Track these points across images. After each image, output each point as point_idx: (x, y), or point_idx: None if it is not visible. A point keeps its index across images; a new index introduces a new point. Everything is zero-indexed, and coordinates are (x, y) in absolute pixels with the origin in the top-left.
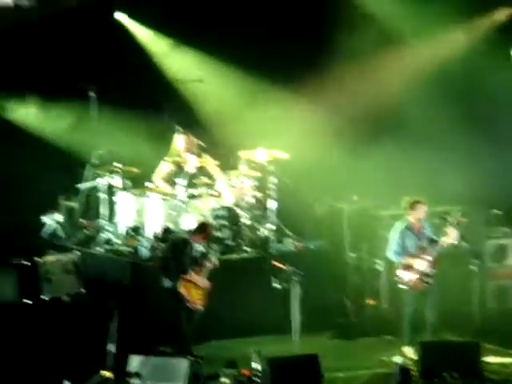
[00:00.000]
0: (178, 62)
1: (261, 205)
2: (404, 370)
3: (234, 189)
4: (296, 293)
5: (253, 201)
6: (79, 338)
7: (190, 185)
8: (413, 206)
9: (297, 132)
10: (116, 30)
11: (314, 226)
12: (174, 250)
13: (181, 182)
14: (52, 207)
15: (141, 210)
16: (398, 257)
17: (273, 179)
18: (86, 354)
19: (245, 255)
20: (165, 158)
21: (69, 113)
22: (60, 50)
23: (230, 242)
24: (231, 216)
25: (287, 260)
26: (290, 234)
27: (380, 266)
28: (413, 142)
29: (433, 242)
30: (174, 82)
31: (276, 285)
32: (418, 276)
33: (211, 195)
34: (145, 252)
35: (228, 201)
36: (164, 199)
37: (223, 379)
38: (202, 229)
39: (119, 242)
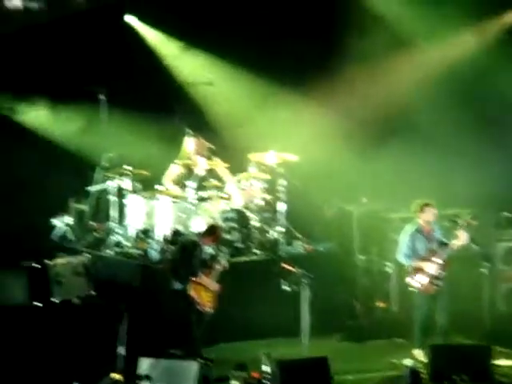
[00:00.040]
0: (189, 65)
1: (270, 207)
2: (414, 373)
3: (243, 191)
4: (305, 295)
5: (262, 203)
6: (89, 340)
7: (200, 187)
8: (422, 208)
9: (307, 134)
10: (126, 32)
11: (323, 229)
12: (184, 253)
13: (191, 184)
14: (62, 210)
15: (151, 213)
16: (408, 260)
17: (282, 182)
18: (96, 356)
19: (254, 258)
20: (175, 161)
21: (79, 115)
22: (70, 53)
23: (239, 245)
24: (241, 218)
25: (297, 262)
26: (300, 236)
27: (390, 268)
28: (422, 144)
29: (443, 244)
30: (184, 84)
31: (285, 287)
32: (428, 279)
33: (221, 198)
34: (154, 254)
35: (238, 203)
36: (174, 202)
37: (233, 382)
38: (212, 231)
39: (129, 244)
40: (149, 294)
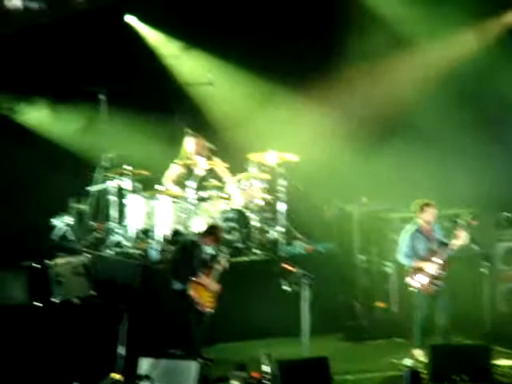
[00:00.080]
0: (189, 65)
1: (270, 207)
2: (414, 373)
3: (243, 191)
4: (305, 295)
5: (262, 203)
6: (89, 340)
7: (200, 187)
8: (422, 208)
9: (307, 134)
10: (126, 32)
11: (323, 229)
12: (184, 253)
13: (191, 184)
14: (62, 210)
15: (151, 213)
16: (409, 260)
17: (282, 182)
18: (96, 356)
19: (254, 258)
20: (175, 161)
21: (79, 116)
22: (70, 53)
23: (239, 245)
24: (241, 218)
25: (297, 262)
26: (300, 236)
27: (390, 268)
28: (423, 144)
29: (443, 244)
30: (184, 84)
31: (286, 287)
32: (428, 279)
33: (221, 198)
34: (155, 255)
35: (238, 203)
36: (174, 202)
37: (233, 382)
38: (212, 231)
39: (129, 244)
40: (149, 294)
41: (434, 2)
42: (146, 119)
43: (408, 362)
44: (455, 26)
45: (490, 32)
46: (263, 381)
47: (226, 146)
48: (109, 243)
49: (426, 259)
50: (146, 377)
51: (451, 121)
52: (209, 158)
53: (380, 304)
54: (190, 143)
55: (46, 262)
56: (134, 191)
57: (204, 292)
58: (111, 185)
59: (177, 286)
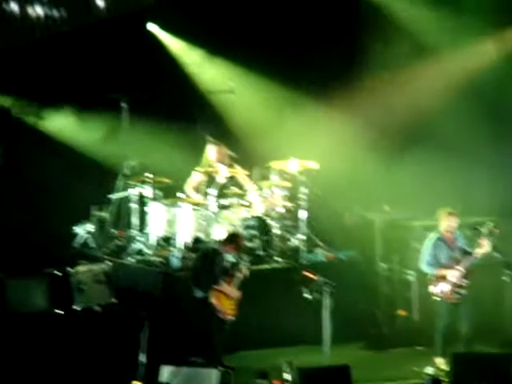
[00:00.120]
0: (210, 73)
1: (291, 215)
2: (436, 381)
3: (265, 199)
4: (327, 303)
5: (283, 211)
6: (110, 348)
7: (221, 195)
8: (445, 217)
9: (328, 143)
10: (148, 41)
11: (344, 237)
12: (205, 261)
13: (212, 192)
14: (84, 218)
15: (172, 221)
16: (431, 268)
17: (304, 189)
18: (118, 364)
19: (275, 265)
20: (196, 169)
21: (101, 123)
22: (93, 61)
23: (260, 253)
24: (262, 226)
25: (318, 270)
26: (321, 244)
27: (411, 276)
28: (445, 152)
29: (466, 253)
30: (206, 92)
31: (307, 295)
32: (450, 287)
33: (242, 205)
34: (176, 262)
35: (258, 211)
36: (195, 209)
37: None
38: (233, 239)
39: (150, 252)
40: (170, 302)
41: (455, 11)
42: (168, 127)
43: (429, 370)
44: (475, 35)
45: (510, 41)
46: None
47: (248, 154)
48: (130, 251)
49: (449, 267)
50: None
51: (472, 130)
52: (230, 166)
53: (401, 312)
54: (211, 151)
55: (68, 269)
56: (155, 199)
57: (225, 300)
58: (133, 192)
59: (198, 293)
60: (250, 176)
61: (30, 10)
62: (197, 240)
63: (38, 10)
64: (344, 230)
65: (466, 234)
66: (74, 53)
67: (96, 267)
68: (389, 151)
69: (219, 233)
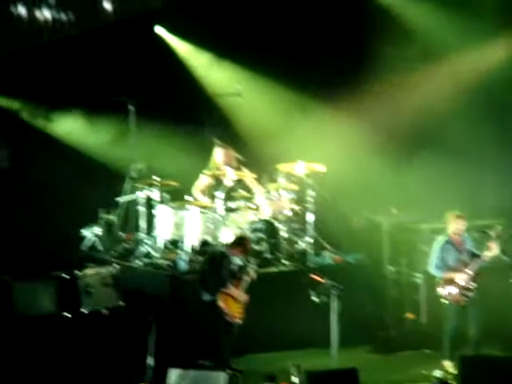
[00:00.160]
0: (218, 76)
1: (299, 218)
2: None
3: (272, 202)
4: (334, 306)
5: (291, 214)
6: (118, 351)
7: (229, 198)
8: (453, 220)
9: (336, 146)
10: (156, 44)
11: (352, 239)
12: (213, 264)
13: (219, 195)
14: (92, 220)
15: (179, 224)
16: (439, 271)
17: (311, 192)
18: (125, 367)
19: (283, 268)
20: (204, 171)
21: (109, 126)
22: (100, 64)
23: (268, 255)
24: (269, 229)
25: (325, 273)
26: (328, 247)
27: (419, 279)
28: (453, 155)
29: (474, 256)
30: (213, 95)
31: (314, 298)
32: (458, 290)
33: (249, 208)
34: (183, 265)
35: (266, 214)
36: (202, 212)
37: None
38: (240, 242)
39: (158, 255)
40: (177, 305)
41: (463, 14)
42: (176, 130)
43: (438, 373)
44: (484, 37)
45: None
46: None
47: (255, 157)
48: (138, 254)
49: (457, 270)
50: None
51: (480, 133)
52: (238, 169)
53: (409, 315)
54: (219, 154)
55: (76, 272)
56: (162, 202)
57: (233, 303)
58: (140, 195)
59: (206, 296)
60: (257, 179)
61: (37, 14)
62: (204, 243)
63: (45, 14)
64: (351, 233)
65: (474, 236)
66: (81, 56)
67: (104, 270)
68: (397, 154)
69: (227, 236)
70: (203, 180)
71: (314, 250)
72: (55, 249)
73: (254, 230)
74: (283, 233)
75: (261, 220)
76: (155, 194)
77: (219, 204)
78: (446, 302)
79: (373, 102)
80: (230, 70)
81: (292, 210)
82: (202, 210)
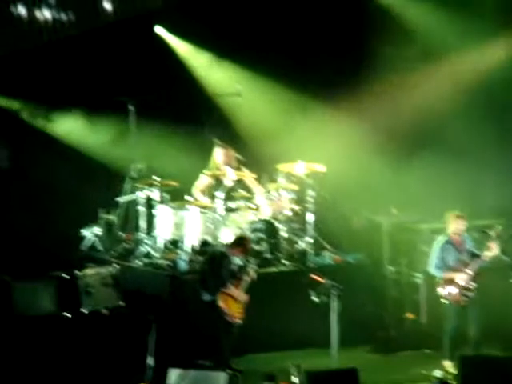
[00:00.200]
0: (218, 76)
1: (299, 218)
2: None
3: (272, 202)
4: (334, 306)
5: (291, 214)
6: (118, 351)
7: (229, 198)
8: (452, 220)
9: (335, 146)
10: (156, 44)
11: (352, 239)
12: (212, 264)
13: (219, 195)
14: (92, 220)
15: (179, 224)
16: (439, 271)
17: (311, 192)
18: (125, 367)
19: (283, 268)
20: (204, 171)
21: (108, 126)
22: (100, 64)
23: (268, 255)
24: (269, 229)
25: (325, 273)
26: (328, 247)
27: (419, 279)
28: (452, 155)
29: (474, 256)
30: (213, 95)
31: (314, 298)
32: (458, 290)
33: (249, 208)
34: (183, 265)
35: (266, 214)
36: (202, 212)
37: None
38: (240, 242)
39: (158, 255)
40: (177, 305)
41: (463, 13)
42: (176, 130)
43: (438, 373)
44: (484, 37)
45: None
46: None
47: (255, 157)
48: (138, 254)
49: (457, 270)
50: None
51: (480, 133)
52: (238, 169)
53: (409, 315)
54: (219, 154)
55: (76, 272)
56: (162, 202)
57: (233, 303)
58: (140, 195)
59: (206, 296)
60: (257, 179)
61: (37, 14)
62: (204, 243)
63: (45, 14)
64: (351, 233)
65: (474, 236)
66: (81, 56)
67: (104, 270)
68: (397, 154)
69: (227, 236)
70: (203, 180)
71: (314, 249)
72: (55, 249)
73: (254, 230)
74: (283, 233)
75: (261, 220)
76: (155, 194)
77: (219, 204)
78: (446, 302)
79: (373, 102)
80: (229, 69)
81: (292, 209)
82: (202, 210)
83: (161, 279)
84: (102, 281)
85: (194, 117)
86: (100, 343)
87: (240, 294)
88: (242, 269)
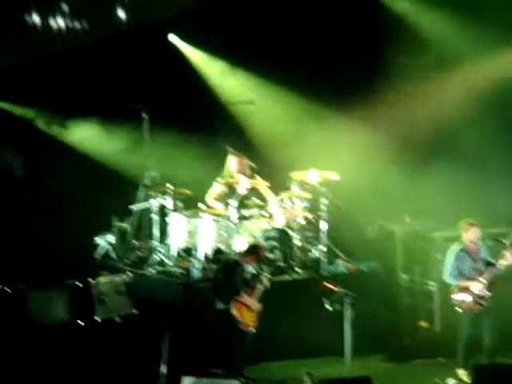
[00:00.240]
0: (231, 84)
1: (312, 226)
2: None
3: (285, 210)
4: (348, 314)
5: (304, 222)
6: (131, 359)
7: (242, 206)
8: (467, 228)
9: (349, 154)
10: (170, 52)
11: (365, 248)
12: (226, 272)
13: (233, 203)
14: (106, 228)
15: (192, 232)
16: (454, 279)
17: (324, 200)
18: (139, 375)
19: (296, 277)
20: (217, 179)
21: (122, 134)
22: (114, 72)
23: (281, 264)
24: (282, 237)
25: (339, 282)
26: (342, 255)
27: (433, 287)
28: (466, 164)
29: (489, 264)
30: (226, 103)
31: (328, 306)
32: (472, 298)
33: (263, 216)
34: (196, 273)
35: (279, 222)
36: (215, 220)
37: None
38: (254, 250)
39: (171, 263)
40: (190, 313)
41: (477, 22)
42: (189, 138)
43: (451, 381)
44: (498, 46)
45: None
46: None
47: (268, 165)
48: (151, 262)
49: (472, 278)
50: None
51: (495, 141)
52: (251, 177)
53: (423, 323)
54: (232, 162)
55: (89, 280)
56: (175, 210)
57: (246, 311)
58: (154, 203)
59: (219, 305)
60: (270, 187)
61: (51, 22)
62: (218, 251)
63: (59, 22)
64: (365, 241)
65: (488, 245)
66: (95, 64)
67: (117, 278)
68: (410, 163)
69: (240, 244)
70: (217, 188)
71: (328, 258)
72: (69, 257)
73: (268, 238)
74: (296, 241)
75: (274, 228)
76: (169, 202)
77: (233, 212)
78: (461, 310)
79: (387, 111)
80: (243, 78)
81: (305, 218)
82: (216, 218)
83: (174, 287)
84: (116, 289)
85: (208, 125)
86: (113, 351)
87: (253, 303)
88: (256, 277)
